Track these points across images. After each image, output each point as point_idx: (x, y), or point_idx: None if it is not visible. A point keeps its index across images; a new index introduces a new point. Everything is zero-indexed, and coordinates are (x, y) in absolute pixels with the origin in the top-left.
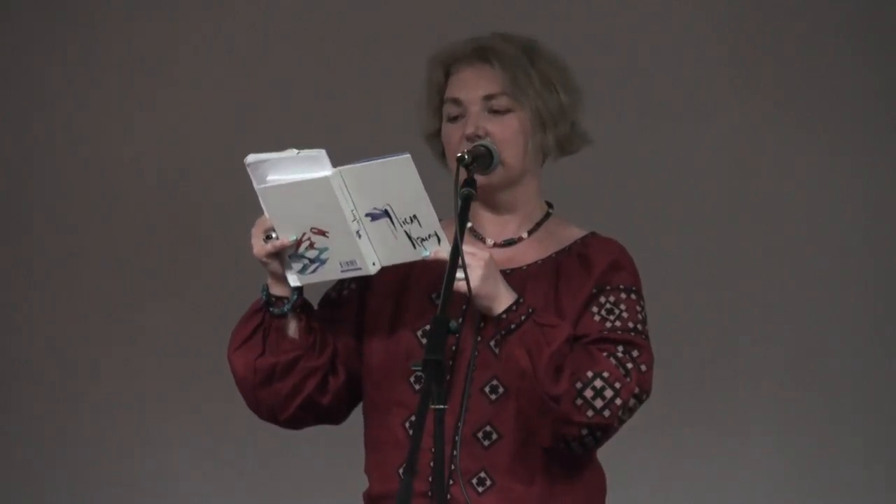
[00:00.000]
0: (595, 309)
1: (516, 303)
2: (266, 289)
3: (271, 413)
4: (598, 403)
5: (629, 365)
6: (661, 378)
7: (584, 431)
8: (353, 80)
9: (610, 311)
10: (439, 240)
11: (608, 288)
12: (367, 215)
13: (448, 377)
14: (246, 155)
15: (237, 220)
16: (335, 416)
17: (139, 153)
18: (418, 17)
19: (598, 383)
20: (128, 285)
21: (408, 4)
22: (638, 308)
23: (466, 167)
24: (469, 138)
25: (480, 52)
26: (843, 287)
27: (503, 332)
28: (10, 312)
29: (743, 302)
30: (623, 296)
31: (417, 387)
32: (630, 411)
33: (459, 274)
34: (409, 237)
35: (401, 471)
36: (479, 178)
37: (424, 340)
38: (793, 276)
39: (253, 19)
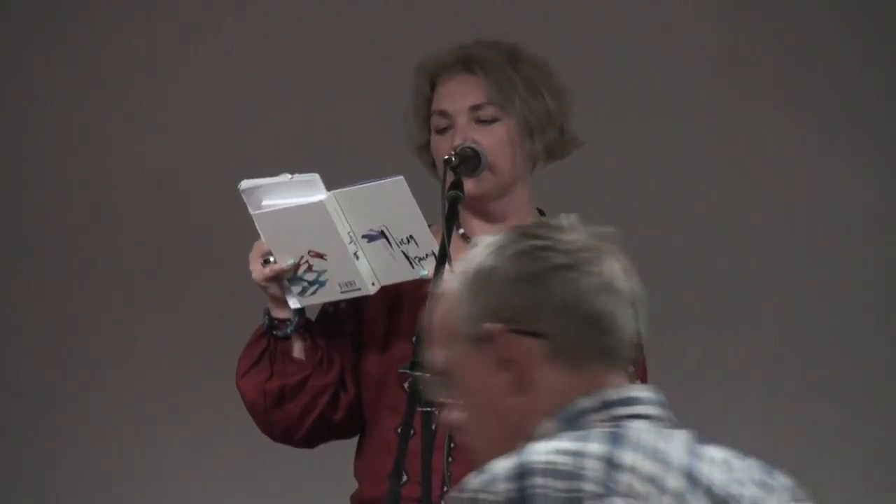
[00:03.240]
0: None
1: None
2: (267, 312)
3: (285, 434)
4: None
5: None
6: (652, 381)
7: None
8: (355, 82)
9: None
10: (436, 258)
11: None
12: (363, 237)
13: None
14: (244, 156)
15: (238, 225)
16: (348, 430)
17: (138, 157)
18: (417, 18)
19: None
20: (126, 287)
21: (407, 5)
22: None
23: (454, 170)
24: (456, 150)
25: (465, 62)
26: (837, 289)
27: None
28: (8, 314)
29: (736, 304)
30: None
31: None
32: None
33: None
34: (407, 257)
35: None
36: (470, 187)
37: None
38: (786, 278)
39: (253, 21)
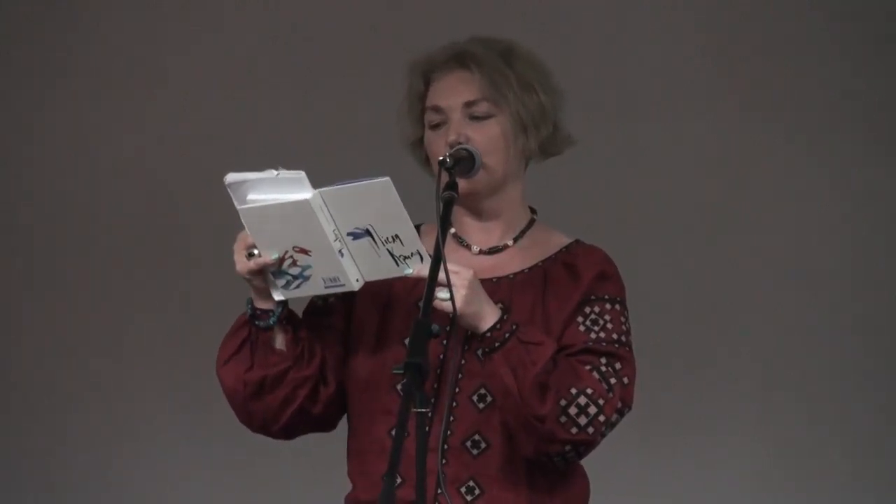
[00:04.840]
0: (580, 319)
1: (500, 320)
2: (250, 302)
3: (263, 425)
4: (582, 420)
5: (612, 380)
6: (642, 384)
7: (567, 447)
8: (344, 83)
9: (595, 322)
10: (422, 258)
11: (594, 298)
12: (348, 234)
13: (435, 386)
14: (234, 157)
15: (226, 223)
16: (327, 423)
17: (128, 158)
18: (411, 15)
19: (582, 400)
20: (115, 286)
21: (402, 3)
22: (622, 319)
23: (448, 170)
24: (451, 146)
25: (459, 59)
26: (828, 292)
27: (487, 350)
28: (6, 318)
29: (727, 306)
30: (608, 306)
31: None
32: (612, 426)
33: (444, 294)
34: (392, 255)
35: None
36: (463, 185)
37: None
38: (778, 280)
39: (243, 19)
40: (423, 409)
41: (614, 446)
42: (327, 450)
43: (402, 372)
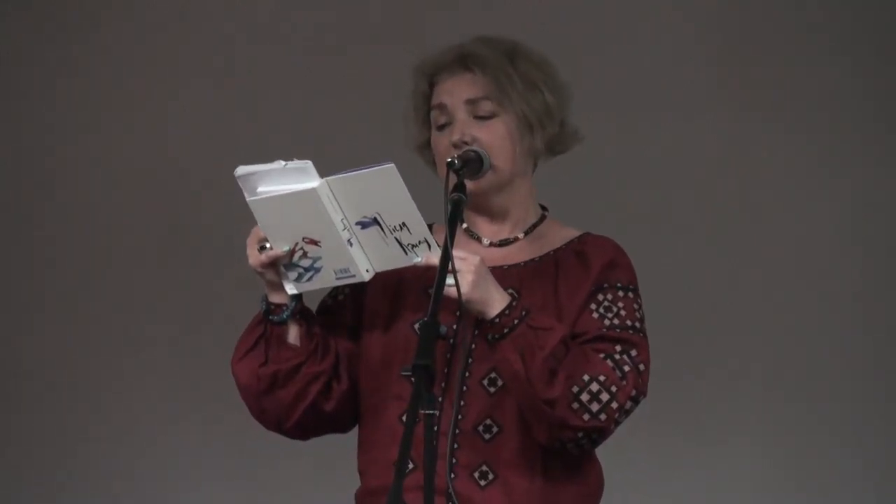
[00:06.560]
0: (593, 306)
1: (509, 306)
2: (265, 298)
3: (276, 422)
4: (595, 407)
5: (626, 367)
6: (651, 383)
7: (580, 434)
8: (346, 80)
9: (608, 309)
10: (429, 245)
11: (606, 286)
12: (357, 224)
13: (446, 370)
14: (237, 156)
15: (230, 225)
16: (341, 423)
17: (136, 157)
18: (411, 19)
19: (595, 387)
20: (120, 291)
21: (397, 7)
22: (635, 306)
23: (457, 172)
24: (456, 145)
25: (462, 60)
26: (828, 292)
27: (497, 336)
28: (10, 320)
29: (727, 306)
30: (621, 293)
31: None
32: (626, 413)
33: (449, 279)
34: (400, 244)
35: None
36: (470, 184)
37: None
38: (778, 280)
39: (245, 20)
40: (431, 412)
41: (614, 446)
42: (336, 450)
43: (409, 374)
